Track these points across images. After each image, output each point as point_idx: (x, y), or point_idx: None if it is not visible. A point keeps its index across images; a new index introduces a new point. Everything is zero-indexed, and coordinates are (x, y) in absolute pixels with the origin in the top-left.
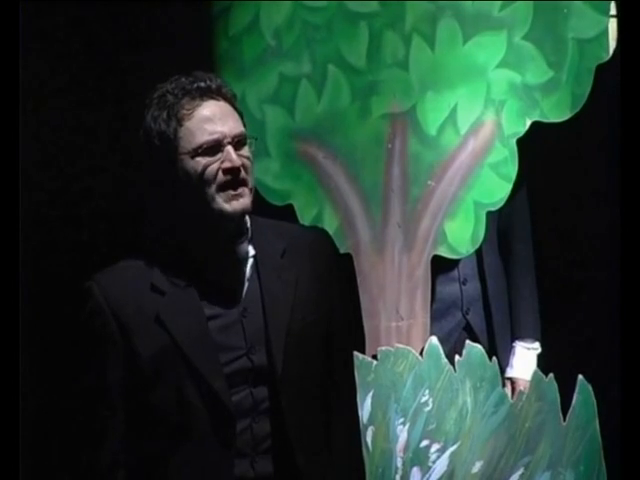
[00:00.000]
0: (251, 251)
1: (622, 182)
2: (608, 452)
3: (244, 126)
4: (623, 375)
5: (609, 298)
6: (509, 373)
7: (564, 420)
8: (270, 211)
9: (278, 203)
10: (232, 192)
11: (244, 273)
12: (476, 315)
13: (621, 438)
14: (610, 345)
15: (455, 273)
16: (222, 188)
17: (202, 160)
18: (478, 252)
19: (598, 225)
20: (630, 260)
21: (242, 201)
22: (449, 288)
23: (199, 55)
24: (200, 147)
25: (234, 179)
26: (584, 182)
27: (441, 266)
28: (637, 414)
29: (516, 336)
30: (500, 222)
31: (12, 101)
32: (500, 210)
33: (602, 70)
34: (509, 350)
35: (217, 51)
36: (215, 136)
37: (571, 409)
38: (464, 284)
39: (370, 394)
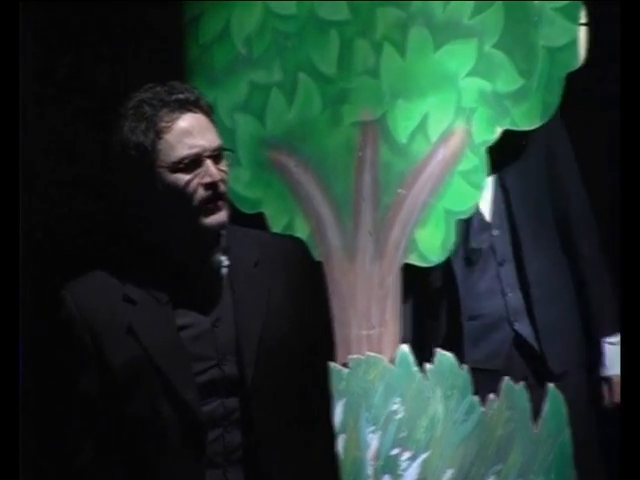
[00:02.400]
0: (225, 261)
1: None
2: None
3: (220, 138)
4: (623, 375)
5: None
6: (604, 373)
7: (535, 428)
8: (241, 219)
9: (249, 211)
10: (211, 206)
11: (217, 283)
12: (524, 324)
13: (621, 438)
14: None
15: (497, 285)
16: (202, 203)
17: (182, 175)
18: (517, 261)
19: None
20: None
21: (221, 214)
22: (493, 302)
23: (170, 63)
24: (180, 161)
25: (214, 193)
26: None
27: (481, 280)
28: (637, 415)
29: (601, 334)
30: (559, 224)
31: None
32: (556, 213)
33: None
34: (557, 353)
35: (188, 59)
36: (195, 150)
37: (542, 417)
38: (507, 295)
39: (341, 402)
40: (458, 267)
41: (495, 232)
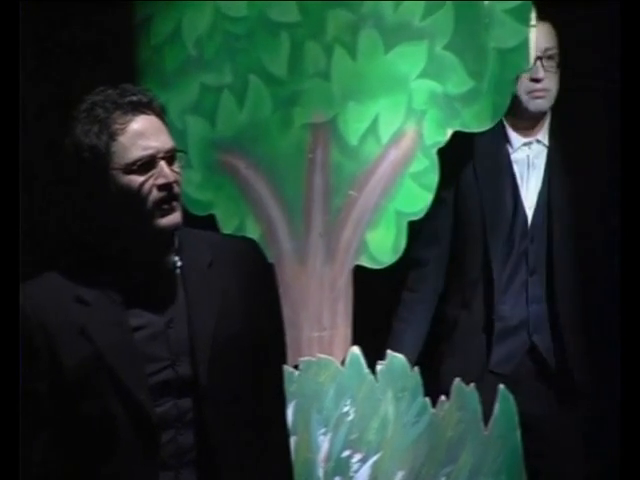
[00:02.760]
0: (178, 262)
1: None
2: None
3: (173, 140)
4: (623, 376)
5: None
6: None
7: (485, 429)
8: (192, 221)
9: (200, 213)
10: (166, 207)
11: (171, 284)
12: (543, 336)
13: (621, 439)
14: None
15: (523, 293)
16: (157, 204)
17: (136, 177)
18: (548, 274)
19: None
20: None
21: (175, 215)
22: (516, 308)
23: (121, 64)
24: (134, 163)
25: (168, 194)
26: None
27: (510, 284)
28: (637, 416)
29: None
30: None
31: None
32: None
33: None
34: (583, 369)
35: (139, 60)
36: (149, 151)
37: (492, 418)
38: (531, 305)
39: (292, 404)
40: (496, 266)
41: (532, 242)
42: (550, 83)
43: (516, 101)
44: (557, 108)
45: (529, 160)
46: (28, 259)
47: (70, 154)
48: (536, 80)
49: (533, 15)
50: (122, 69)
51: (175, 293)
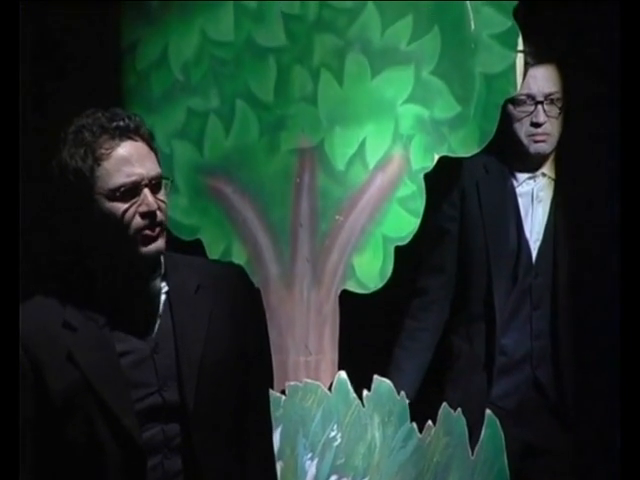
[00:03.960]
0: (164, 287)
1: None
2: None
3: (160, 166)
4: (623, 376)
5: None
6: None
7: (472, 454)
8: (179, 246)
9: (187, 238)
10: (148, 233)
11: (156, 309)
12: (546, 371)
13: (621, 438)
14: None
15: (527, 327)
16: (139, 231)
17: (119, 204)
18: (553, 308)
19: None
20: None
21: (157, 243)
22: (520, 343)
23: (107, 89)
24: (118, 189)
25: (151, 222)
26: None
27: (514, 318)
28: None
29: None
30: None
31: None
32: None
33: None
34: (579, 405)
35: (125, 85)
36: (133, 178)
37: (479, 443)
38: (536, 340)
39: (279, 429)
40: (498, 302)
41: (536, 277)
42: (552, 127)
43: (517, 144)
44: (562, 144)
45: (533, 193)
46: (28, 258)
47: (56, 176)
48: (537, 125)
49: (519, 40)
50: (109, 94)
51: (161, 318)
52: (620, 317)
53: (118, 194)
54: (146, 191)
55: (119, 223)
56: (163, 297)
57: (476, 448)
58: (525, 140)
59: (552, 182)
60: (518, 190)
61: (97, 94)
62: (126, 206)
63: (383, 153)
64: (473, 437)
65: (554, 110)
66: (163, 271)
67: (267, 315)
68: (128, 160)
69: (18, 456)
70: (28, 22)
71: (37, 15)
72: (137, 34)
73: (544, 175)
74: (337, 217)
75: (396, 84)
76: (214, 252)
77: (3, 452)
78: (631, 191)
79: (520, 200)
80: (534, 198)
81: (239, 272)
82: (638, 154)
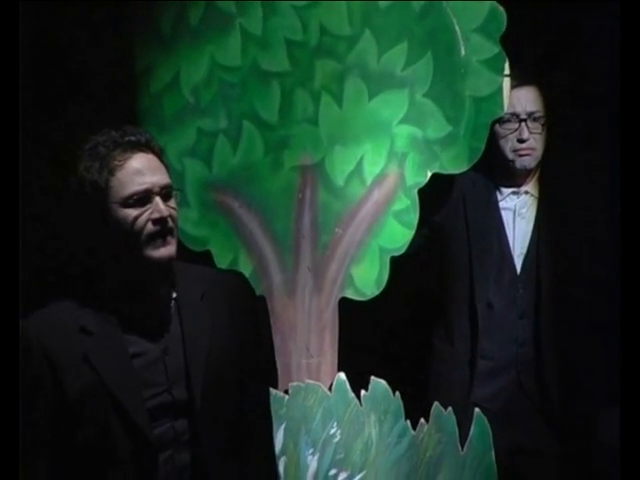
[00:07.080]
0: (173, 294)
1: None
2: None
3: (170, 178)
4: (623, 376)
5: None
6: None
7: (462, 450)
8: (189, 256)
9: (197, 249)
10: (160, 240)
11: (167, 314)
12: (529, 377)
13: (621, 439)
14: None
15: (513, 335)
16: (151, 237)
17: (132, 210)
18: (537, 316)
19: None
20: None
21: (169, 249)
22: (506, 349)
23: (123, 111)
24: (130, 197)
25: (162, 229)
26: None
27: (500, 326)
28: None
29: None
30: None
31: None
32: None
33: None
34: (566, 410)
35: (140, 107)
36: (144, 186)
37: (468, 440)
38: (522, 347)
39: (282, 426)
40: (481, 308)
41: (522, 288)
42: (536, 143)
43: (504, 159)
44: (546, 161)
45: (515, 209)
46: (31, 288)
47: (74, 190)
48: (521, 141)
49: (506, 65)
50: (124, 116)
51: (170, 323)
52: (606, 327)
53: (131, 201)
54: (157, 199)
55: (132, 228)
56: (172, 303)
57: (466, 444)
58: (510, 155)
59: (535, 200)
60: (501, 204)
61: (113, 115)
62: (138, 212)
63: (379, 170)
64: (460, 434)
65: (537, 127)
66: (173, 279)
67: (271, 320)
68: (140, 170)
69: (18, 456)
70: (39, 41)
71: (50, 37)
72: (150, 59)
73: (527, 193)
74: (337, 229)
75: (392, 106)
76: (222, 262)
77: (3, 452)
78: (617, 204)
79: (503, 213)
80: (516, 214)
81: (241, 280)
82: (628, 168)
